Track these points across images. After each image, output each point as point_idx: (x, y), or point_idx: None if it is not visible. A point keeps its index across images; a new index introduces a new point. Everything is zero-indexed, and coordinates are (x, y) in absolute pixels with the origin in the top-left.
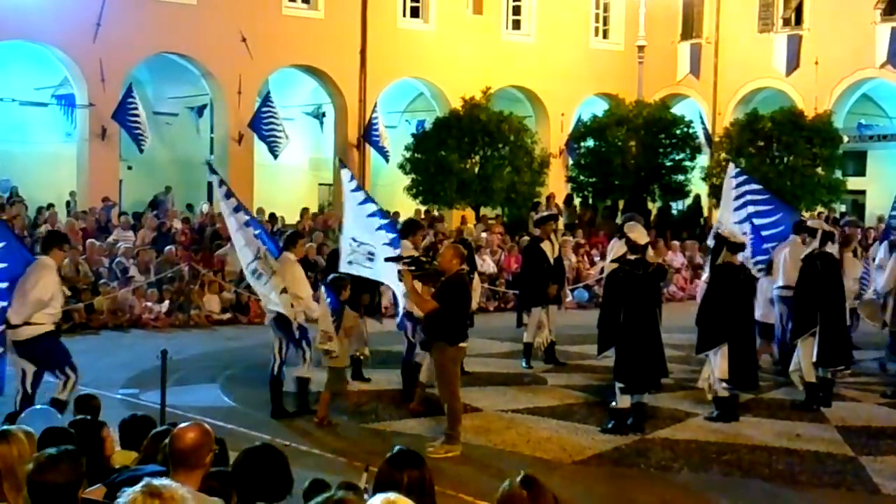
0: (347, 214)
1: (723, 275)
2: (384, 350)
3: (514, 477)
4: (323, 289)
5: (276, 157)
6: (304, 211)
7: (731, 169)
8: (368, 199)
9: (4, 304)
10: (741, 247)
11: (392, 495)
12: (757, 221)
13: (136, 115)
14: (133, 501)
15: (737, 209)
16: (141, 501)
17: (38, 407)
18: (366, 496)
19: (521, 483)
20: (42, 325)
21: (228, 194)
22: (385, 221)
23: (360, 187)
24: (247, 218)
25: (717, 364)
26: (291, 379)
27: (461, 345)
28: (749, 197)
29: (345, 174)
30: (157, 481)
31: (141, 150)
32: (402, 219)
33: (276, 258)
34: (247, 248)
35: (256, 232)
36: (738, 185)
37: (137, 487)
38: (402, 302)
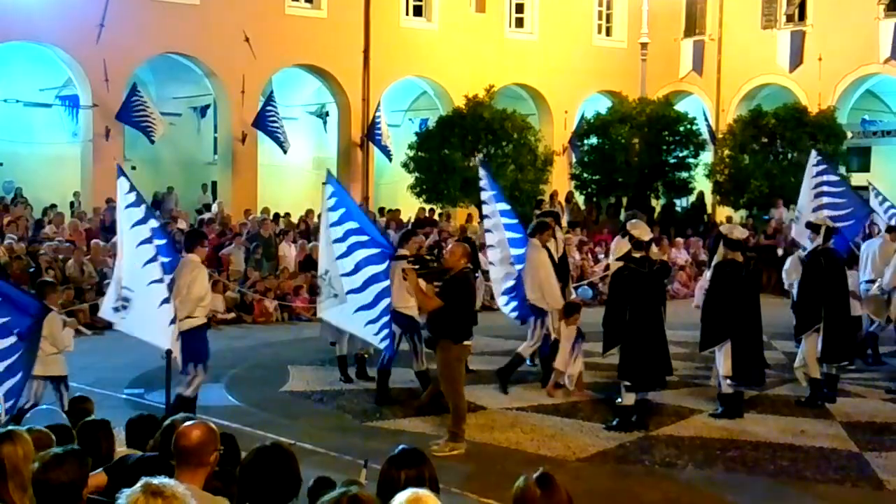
0: (320, 237)
1: (725, 272)
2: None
3: (530, 473)
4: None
5: (285, 151)
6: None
7: (813, 156)
8: (350, 217)
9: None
10: (739, 244)
11: (420, 491)
12: (827, 213)
13: (144, 110)
14: (134, 501)
15: (815, 197)
16: (143, 501)
17: (43, 407)
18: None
19: (537, 481)
20: (198, 318)
21: (336, 206)
22: (345, 248)
23: (341, 204)
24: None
25: (721, 361)
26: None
27: (466, 343)
28: (825, 188)
29: (327, 189)
30: (156, 480)
31: (152, 141)
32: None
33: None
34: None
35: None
36: (818, 174)
37: (137, 487)
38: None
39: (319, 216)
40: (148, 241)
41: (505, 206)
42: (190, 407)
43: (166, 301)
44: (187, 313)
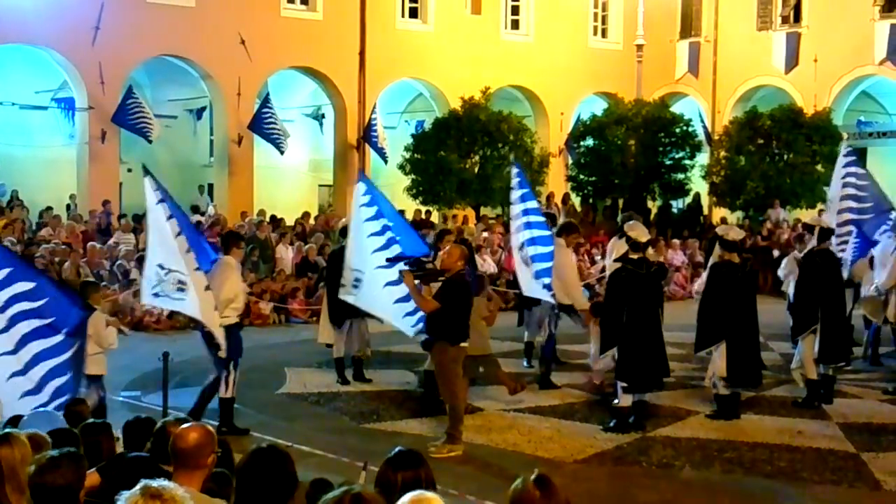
0: (351, 235)
1: (720, 273)
2: (385, 350)
3: (527, 475)
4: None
5: (282, 152)
6: (305, 214)
7: (843, 146)
8: (381, 214)
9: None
10: (735, 245)
11: (426, 493)
12: (850, 205)
13: (140, 111)
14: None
15: (843, 187)
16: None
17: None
18: None
19: (535, 483)
20: (228, 318)
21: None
22: (384, 241)
23: (375, 202)
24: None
25: (717, 362)
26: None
27: (462, 344)
28: (851, 179)
29: (359, 187)
30: (155, 483)
31: (150, 141)
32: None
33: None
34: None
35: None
36: (846, 165)
37: (136, 489)
38: None
39: (322, 211)
40: (179, 234)
41: (534, 205)
42: (231, 408)
43: (208, 287)
44: (219, 312)
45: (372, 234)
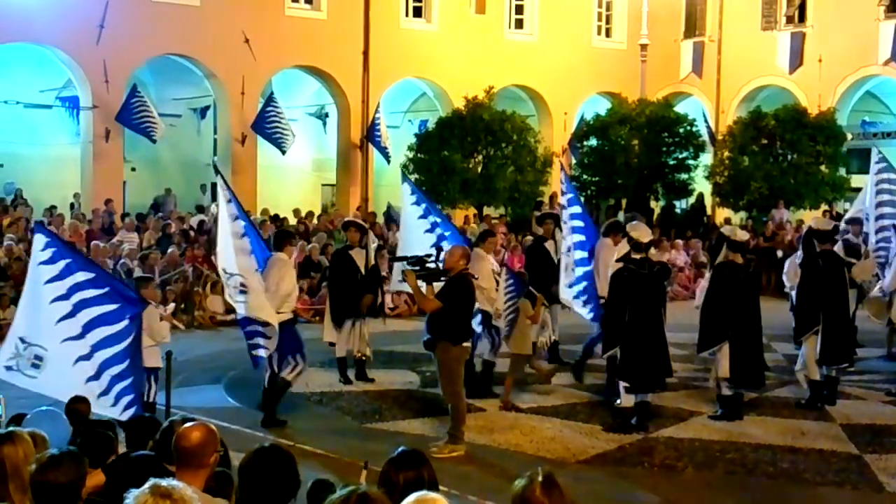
0: (405, 231)
1: (724, 273)
2: (387, 350)
3: (533, 474)
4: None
5: (284, 152)
6: (309, 213)
7: (875, 153)
8: (428, 211)
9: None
10: (741, 246)
11: (430, 494)
12: (887, 211)
13: (144, 110)
14: (142, 503)
15: (878, 193)
16: (151, 502)
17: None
18: None
19: (542, 484)
20: (284, 313)
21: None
22: (449, 233)
23: (420, 200)
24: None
25: (720, 363)
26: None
27: (465, 344)
28: (885, 185)
29: (405, 188)
30: (164, 482)
31: (154, 141)
32: None
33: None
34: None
35: None
36: (879, 171)
37: (145, 488)
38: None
39: (325, 210)
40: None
41: (577, 210)
42: (283, 390)
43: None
44: (275, 309)
45: (426, 231)
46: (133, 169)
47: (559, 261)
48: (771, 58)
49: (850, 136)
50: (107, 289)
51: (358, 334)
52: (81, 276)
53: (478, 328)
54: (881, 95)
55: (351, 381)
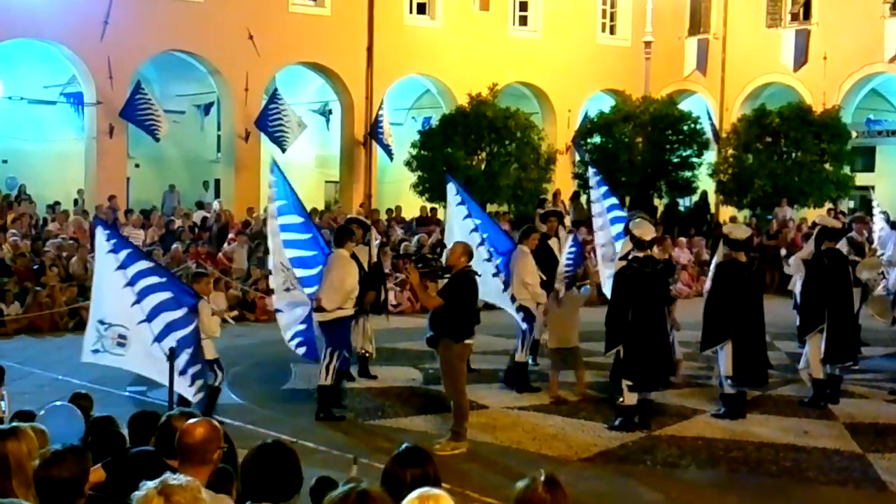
0: (451, 231)
1: (727, 272)
2: (390, 347)
3: (536, 475)
4: (574, 243)
5: (284, 150)
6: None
7: None
8: (472, 213)
9: (313, 289)
10: (740, 243)
11: (433, 490)
12: None
13: (148, 108)
14: (148, 499)
15: None
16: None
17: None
18: None
19: (545, 485)
20: (346, 309)
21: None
22: (486, 235)
23: (465, 200)
24: None
25: (723, 361)
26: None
27: (467, 342)
28: None
29: (450, 188)
30: (173, 479)
31: (157, 140)
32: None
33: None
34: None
35: None
36: None
37: (152, 484)
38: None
39: (328, 207)
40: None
41: (614, 201)
42: (333, 394)
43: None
44: (338, 304)
45: (471, 231)
46: (137, 165)
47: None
48: (775, 55)
49: (854, 134)
50: (164, 278)
51: (361, 331)
52: (142, 265)
53: (523, 325)
54: (886, 93)
55: (354, 378)
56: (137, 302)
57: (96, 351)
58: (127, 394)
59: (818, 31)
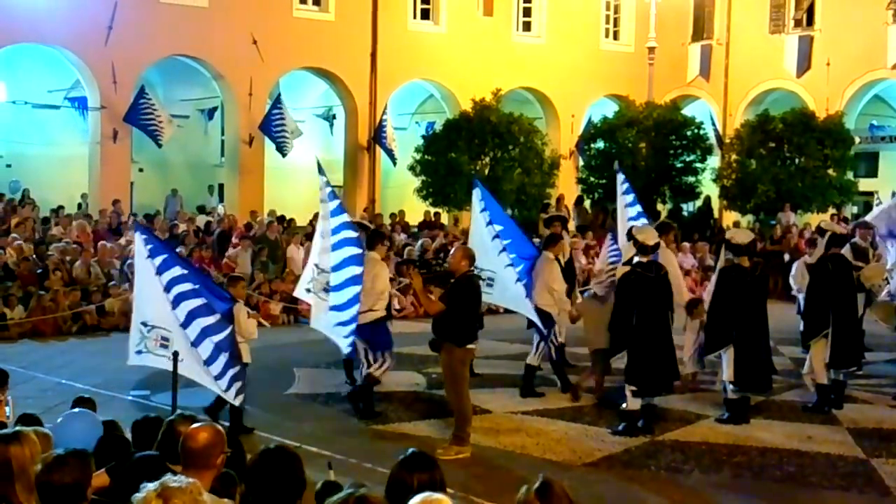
0: (474, 238)
1: (729, 277)
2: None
3: (531, 483)
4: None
5: (284, 155)
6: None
7: None
8: (494, 219)
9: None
10: (742, 248)
11: (435, 495)
12: None
13: (152, 113)
14: (147, 501)
15: None
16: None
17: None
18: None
19: (537, 492)
20: (378, 310)
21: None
22: (508, 241)
23: (488, 206)
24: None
25: (725, 366)
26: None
27: (469, 346)
28: None
29: (476, 193)
30: (173, 482)
31: (159, 145)
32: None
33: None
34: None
35: None
36: None
37: (152, 486)
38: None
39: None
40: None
41: (640, 209)
42: (372, 386)
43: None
44: (370, 306)
45: (493, 238)
46: (140, 170)
47: (566, 263)
48: (779, 61)
49: (857, 140)
50: (198, 285)
51: None
52: (177, 272)
53: (544, 330)
54: (889, 99)
55: (357, 383)
56: (174, 308)
57: (140, 352)
58: (130, 398)
59: (821, 37)
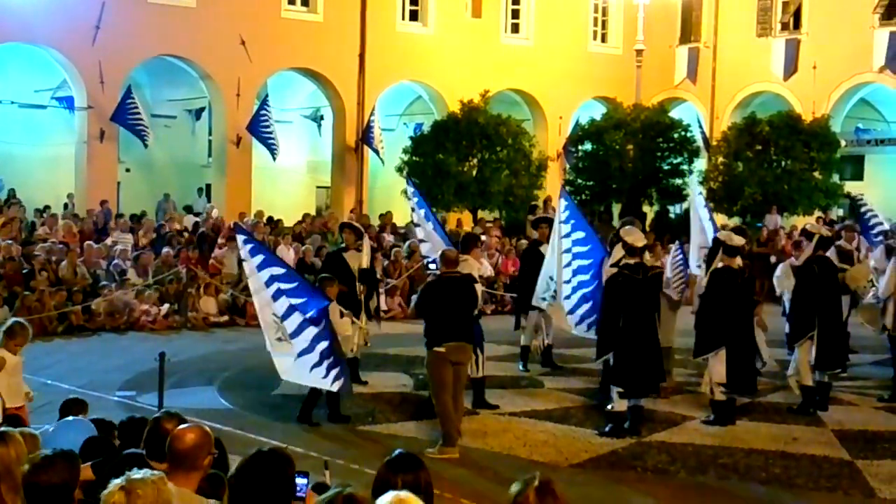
0: (552, 249)
1: (721, 278)
2: (380, 353)
3: (527, 478)
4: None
5: (274, 158)
6: (306, 216)
7: None
8: (574, 229)
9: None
10: (737, 250)
11: (403, 493)
12: None
13: (137, 113)
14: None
15: None
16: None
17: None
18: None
19: (536, 492)
20: None
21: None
22: (586, 248)
23: (571, 217)
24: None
25: (715, 368)
26: None
27: (437, 349)
28: None
29: (560, 203)
30: (136, 474)
31: (145, 145)
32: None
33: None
34: None
35: None
36: None
37: (117, 481)
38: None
39: (319, 212)
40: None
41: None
42: (482, 387)
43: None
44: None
45: (564, 252)
46: (127, 170)
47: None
48: (766, 64)
49: (843, 143)
50: (296, 283)
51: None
52: (276, 270)
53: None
54: (875, 103)
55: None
56: (274, 301)
57: (280, 339)
58: (116, 399)
59: (808, 40)
